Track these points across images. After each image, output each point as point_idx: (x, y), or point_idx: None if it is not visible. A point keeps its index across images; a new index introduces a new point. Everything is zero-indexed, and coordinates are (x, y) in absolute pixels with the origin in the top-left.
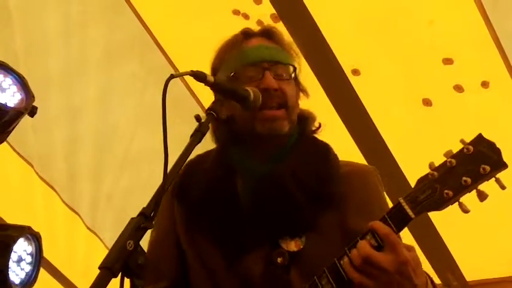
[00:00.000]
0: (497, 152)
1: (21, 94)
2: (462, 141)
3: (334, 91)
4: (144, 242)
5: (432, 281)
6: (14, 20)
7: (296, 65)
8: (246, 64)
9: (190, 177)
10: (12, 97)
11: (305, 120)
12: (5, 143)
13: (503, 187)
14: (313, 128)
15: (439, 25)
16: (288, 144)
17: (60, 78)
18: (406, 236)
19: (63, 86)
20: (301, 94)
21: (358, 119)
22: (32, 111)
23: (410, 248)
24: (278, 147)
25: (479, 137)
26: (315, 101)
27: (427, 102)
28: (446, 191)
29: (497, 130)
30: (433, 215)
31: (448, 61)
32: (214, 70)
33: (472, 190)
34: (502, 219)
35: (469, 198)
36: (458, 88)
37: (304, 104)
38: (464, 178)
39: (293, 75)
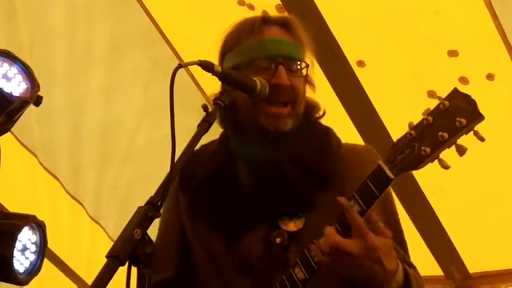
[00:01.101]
0: (473, 103)
1: (26, 83)
2: (439, 97)
3: (339, 82)
4: (151, 232)
5: (405, 268)
6: (19, 11)
7: (308, 62)
8: (262, 56)
9: (193, 166)
10: (17, 86)
11: (311, 108)
12: (9, 133)
13: (481, 139)
14: (317, 116)
15: (444, 16)
16: (290, 132)
17: (66, 70)
18: (409, 229)
19: (68, 77)
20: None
21: (362, 110)
22: (37, 101)
23: (387, 234)
24: (280, 136)
25: (455, 91)
26: (320, 92)
27: (432, 94)
28: (423, 148)
29: (502, 123)
30: (437, 208)
31: (453, 53)
32: (228, 48)
33: (451, 145)
34: (505, 212)
35: (475, 192)
36: (464, 80)
37: (309, 95)
38: (440, 133)
39: (305, 71)
